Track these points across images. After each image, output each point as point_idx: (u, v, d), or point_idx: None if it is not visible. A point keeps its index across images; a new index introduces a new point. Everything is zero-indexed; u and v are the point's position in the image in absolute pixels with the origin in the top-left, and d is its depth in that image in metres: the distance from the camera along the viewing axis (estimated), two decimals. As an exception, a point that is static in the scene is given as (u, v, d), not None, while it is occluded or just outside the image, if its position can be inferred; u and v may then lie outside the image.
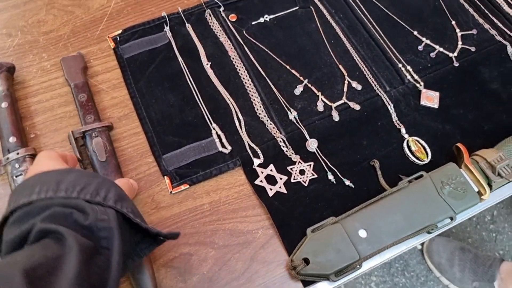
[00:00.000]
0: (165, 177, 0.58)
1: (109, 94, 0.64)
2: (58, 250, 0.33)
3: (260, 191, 0.57)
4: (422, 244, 1.35)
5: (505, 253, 1.42)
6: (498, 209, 1.46)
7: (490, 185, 0.54)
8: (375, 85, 0.65)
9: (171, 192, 0.57)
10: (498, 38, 0.69)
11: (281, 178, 0.58)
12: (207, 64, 0.66)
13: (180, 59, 0.67)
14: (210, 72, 0.66)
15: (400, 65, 0.66)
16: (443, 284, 1.36)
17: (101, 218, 0.37)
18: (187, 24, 0.70)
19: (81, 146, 0.58)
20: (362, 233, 0.52)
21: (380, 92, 0.64)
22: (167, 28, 0.69)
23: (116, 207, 0.40)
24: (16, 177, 0.56)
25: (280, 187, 0.57)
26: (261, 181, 0.57)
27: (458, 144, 0.57)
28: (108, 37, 0.69)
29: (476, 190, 0.54)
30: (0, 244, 0.39)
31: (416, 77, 0.65)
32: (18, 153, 0.57)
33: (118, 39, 0.69)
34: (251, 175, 0.58)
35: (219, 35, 0.69)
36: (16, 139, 0.58)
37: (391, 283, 1.38)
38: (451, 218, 0.54)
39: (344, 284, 0.49)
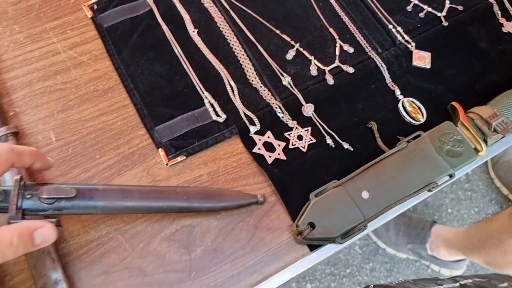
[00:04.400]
0: (160, 149, 0.55)
1: (91, 66, 0.61)
2: None
3: (259, 159, 0.55)
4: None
5: (480, 209, 1.48)
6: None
7: (485, 141, 0.55)
8: (367, 48, 0.64)
9: (167, 165, 0.55)
10: (484, -4, 0.69)
11: (279, 145, 0.56)
12: (193, 31, 0.63)
13: (164, 27, 0.63)
14: (197, 39, 0.63)
15: (390, 26, 0.65)
16: (381, 247, 1.39)
17: None
18: (169, -10, 0.66)
19: None
20: (365, 195, 0.52)
21: (372, 54, 0.63)
22: (148, -6, 0.65)
23: None
24: (-2, 157, 0.52)
25: (279, 154, 0.56)
26: (259, 149, 0.56)
27: (453, 103, 0.57)
28: (84, 5, 0.64)
29: (473, 146, 0.55)
30: None
31: (407, 37, 0.64)
32: (-2, 132, 0.53)
33: (95, 7, 0.64)
34: (249, 143, 0.56)
35: (204, 1, 0.66)
36: (-6, 118, 0.54)
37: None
38: (450, 176, 0.54)
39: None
